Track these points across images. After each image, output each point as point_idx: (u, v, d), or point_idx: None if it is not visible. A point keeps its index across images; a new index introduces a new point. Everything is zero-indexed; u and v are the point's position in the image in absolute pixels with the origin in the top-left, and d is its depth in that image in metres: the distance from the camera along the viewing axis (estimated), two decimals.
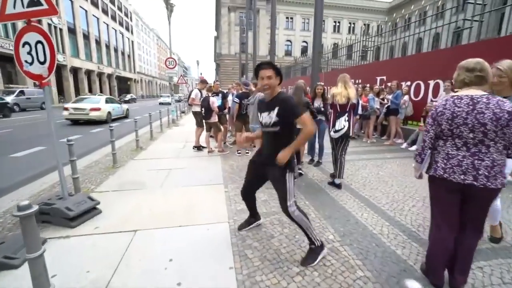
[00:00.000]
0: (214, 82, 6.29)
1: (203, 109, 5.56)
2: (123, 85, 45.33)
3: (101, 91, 35.83)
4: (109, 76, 38.71)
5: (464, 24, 5.77)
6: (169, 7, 10.78)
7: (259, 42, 13.39)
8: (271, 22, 8.60)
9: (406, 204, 3.25)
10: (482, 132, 1.58)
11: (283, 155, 1.96)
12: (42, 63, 2.52)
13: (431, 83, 6.32)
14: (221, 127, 6.09)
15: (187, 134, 8.44)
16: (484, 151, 1.61)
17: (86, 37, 31.90)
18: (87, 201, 2.88)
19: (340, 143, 3.75)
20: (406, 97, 6.54)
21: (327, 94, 5.40)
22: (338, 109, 3.69)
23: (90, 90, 32.75)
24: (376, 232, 2.59)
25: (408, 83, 6.89)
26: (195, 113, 6.12)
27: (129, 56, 47.08)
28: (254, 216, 2.67)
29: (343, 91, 3.62)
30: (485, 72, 1.64)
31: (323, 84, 4.90)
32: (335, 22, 42.08)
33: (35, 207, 1.30)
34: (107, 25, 37.60)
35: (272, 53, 8.64)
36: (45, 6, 2.42)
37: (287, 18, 40.37)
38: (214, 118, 5.64)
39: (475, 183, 1.61)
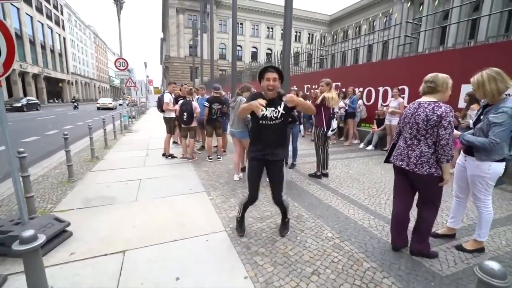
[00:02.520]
0: (182, 85, 5.96)
1: (185, 113, 5.22)
2: (54, 88, 39.46)
3: (24, 94, 30.56)
4: (36, 76, 33.29)
5: (406, 39, 6.75)
6: (119, 3, 9.85)
7: (211, 46, 13.26)
8: (233, 28, 8.61)
9: (381, 198, 3.60)
10: (416, 130, 2.05)
11: (291, 99, 2.14)
12: None
13: (381, 89, 7.16)
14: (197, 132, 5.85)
15: (146, 141, 7.82)
16: (416, 144, 2.07)
17: None
18: (54, 223, 2.43)
19: (327, 140, 4.46)
20: (360, 101, 7.28)
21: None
22: (331, 111, 4.24)
23: (10, 93, 27.62)
24: (366, 226, 2.81)
25: (361, 89, 7.68)
26: (167, 119, 5.68)
27: (60, 54, 41.24)
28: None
29: (335, 96, 4.03)
30: (435, 83, 2.05)
31: (296, 89, 5.11)
32: (282, 30, 44.27)
33: (42, 237, 1.04)
34: (31, 17, 32.36)
35: (234, 59, 8.63)
36: None
37: (237, 23, 40.98)
38: (195, 123, 5.37)
39: (406, 167, 2.10)
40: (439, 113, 1.92)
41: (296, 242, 2.47)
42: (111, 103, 26.88)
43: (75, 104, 27.09)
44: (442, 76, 2.06)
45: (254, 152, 2.42)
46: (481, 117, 2.18)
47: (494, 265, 0.90)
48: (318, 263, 2.17)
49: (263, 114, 2.27)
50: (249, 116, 2.39)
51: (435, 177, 2.02)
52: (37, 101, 25.10)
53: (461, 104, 5.03)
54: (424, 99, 2.09)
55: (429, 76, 2.10)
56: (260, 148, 2.38)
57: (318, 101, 4.28)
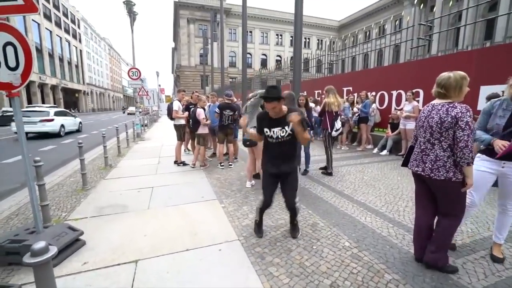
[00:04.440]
0: (193, 93, 6.01)
1: (191, 120, 5.31)
2: (71, 98, 40.98)
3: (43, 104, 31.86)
4: (54, 87, 34.73)
5: (419, 42, 6.60)
6: (132, 15, 10.17)
7: (221, 54, 13.49)
8: (243, 36, 8.71)
9: (399, 205, 3.44)
10: (430, 133, 1.95)
11: (296, 118, 2.15)
12: (13, 69, 2.10)
13: (394, 93, 6.99)
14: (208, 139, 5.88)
15: (158, 149, 7.90)
16: (430, 148, 1.97)
17: None
18: (68, 232, 2.43)
19: (333, 140, 4.87)
20: (374, 105, 7.12)
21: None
22: (334, 114, 4.58)
23: (30, 103, 28.86)
24: (385, 234, 2.67)
25: (374, 93, 7.52)
26: (177, 127, 5.75)
27: (77, 66, 42.95)
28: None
29: (335, 100, 4.22)
30: (445, 89, 1.90)
31: (305, 94, 5.08)
32: (291, 37, 44.55)
33: (53, 249, 1.01)
34: (50, 31, 33.99)
35: (244, 66, 8.69)
36: (20, 2, 2.04)
37: (247, 31, 41.48)
38: (203, 130, 5.37)
39: (422, 173, 1.99)
40: (453, 114, 1.80)
41: (312, 252, 2.36)
42: (134, 111, 36.18)
43: (124, 110, 41.17)
44: (455, 78, 1.87)
45: (267, 164, 2.51)
46: None
47: None
48: (336, 274, 2.06)
49: (268, 134, 2.38)
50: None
51: (454, 182, 1.87)
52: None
53: (480, 106, 4.82)
54: (438, 101, 1.97)
55: (441, 78, 1.92)
56: (272, 161, 2.46)
57: (321, 107, 4.83)
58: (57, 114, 11.56)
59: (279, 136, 2.35)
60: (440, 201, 2.04)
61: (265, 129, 2.39)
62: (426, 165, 1.95)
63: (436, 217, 2.14)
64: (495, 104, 2.14)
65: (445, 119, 1.83)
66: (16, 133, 6.53)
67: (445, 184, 1.89)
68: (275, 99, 2.23)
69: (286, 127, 2.33)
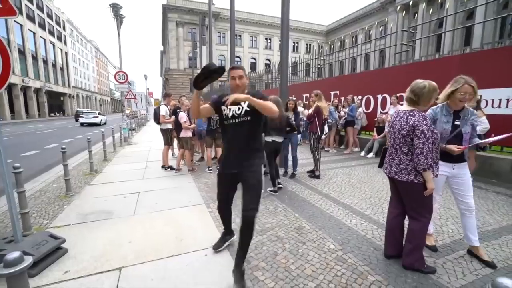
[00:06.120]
0: (180, 97, 5.97)
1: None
2: (55, 101, 39.83)
3: (26, 108, 30.87)
4: (37, 90, 33.66)
5: (402, 47, 6.83)
6: (119, 18, 10.04)
7: (210, 58, 13.48)
8: (231, 40, 8.74)
9: (384, 207, 3.52)
10: (393, 138, 2.11)
11: (238, 96, 1.83)
12: None
13: (379, 97, 7.18)
14: (193, 143, 5.82)
15: (145, 153, 7.79)
16: (394, 153, 2.12)
17: None
18: (49, 241, 2.36)
19: (319, 143, 5.04)
20: (360, 109, 7.28)
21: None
22: (324, 118, 4.81)
23: (12, 108, 27.87)
24: (370, 237, 2.73)
25: (360, 97, 7.70)
26: (164, 131, 5.69)
27: (62, 68, 41.87)
28: (229, 233, 2.57)
29: (325, 105, 4.60)
30: (418, 97, 1.99)
31: (295, 99, 5.14)
32: (280, 41, 45.02)
33: (28, 259, 0.99)
34: (34, 33, 33.06)
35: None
36: None
37: (236, 35, 41.62)
38: (185, 133, 5.33)
39: (389, 175, 2.17)
40: (411, 123, 1.93)
41: (297, 255, 2.39)
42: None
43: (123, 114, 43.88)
44: (428, 89, 1.95)
45: (222, 162, 2.20)
46: (457, 123, 2.19)
47: (508, 282, 0.84)
48: (321, 277, 2.09)
49: (225, 113, 2.08)
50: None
51: (417, 184, 1.99)
52: None
53: None
54: (404, 107, 2.09)
55: (417, 86, 1.98)
56: (227, 153, 2.15)
57: (312, 110, 4.81)
58: (99, 113, 24.31)
59: (235, 114, 2.03)
60: (406, 202, 2.15)
61: (223, 107, 2.07)
62: (392, 168, 2.12)
63: (403, 217, 2.27)
64: (437, 111, 2.28)
65: (404, 126, 1.96)
66: None
67: (408, 185, 2.03)
68: (240, 67, 2.09)
69: (243, 103, 2.01)
